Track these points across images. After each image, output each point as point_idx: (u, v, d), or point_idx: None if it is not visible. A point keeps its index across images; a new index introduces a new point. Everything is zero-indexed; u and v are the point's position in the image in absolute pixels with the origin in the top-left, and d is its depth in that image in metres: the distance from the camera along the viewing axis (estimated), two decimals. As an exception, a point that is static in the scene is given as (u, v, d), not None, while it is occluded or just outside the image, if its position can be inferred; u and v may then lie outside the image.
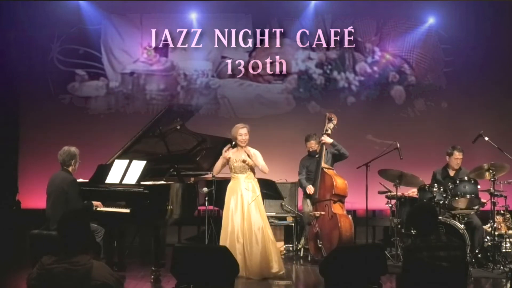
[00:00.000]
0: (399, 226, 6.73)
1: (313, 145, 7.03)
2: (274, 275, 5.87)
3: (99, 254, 5.61)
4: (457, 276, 3.80)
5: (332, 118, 6.85)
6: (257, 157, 6.08)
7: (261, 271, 5.83)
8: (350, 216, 6.74)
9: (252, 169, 6.06)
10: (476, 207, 6.44)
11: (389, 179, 6.89)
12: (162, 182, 6.04)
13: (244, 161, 5.98)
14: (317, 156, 6.94)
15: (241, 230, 5.85)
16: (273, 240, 6.00)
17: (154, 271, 5.72)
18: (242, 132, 6.01)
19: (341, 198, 6.70)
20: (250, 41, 8.66)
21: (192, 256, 4.07)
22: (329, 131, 6.80)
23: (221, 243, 5.82)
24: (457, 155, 6.89)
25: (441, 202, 6.46)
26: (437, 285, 3.72)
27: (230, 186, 6.07)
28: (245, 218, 5.87)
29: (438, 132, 8.44)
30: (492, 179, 6.43)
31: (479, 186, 6.45)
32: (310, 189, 6.79)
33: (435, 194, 6.50)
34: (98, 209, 5.77)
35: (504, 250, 6.72)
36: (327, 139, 6.77)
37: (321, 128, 6.93)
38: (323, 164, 6.74)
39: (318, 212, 6.62)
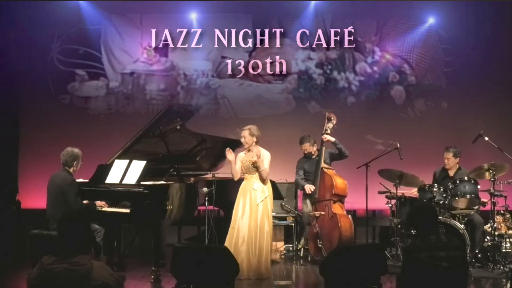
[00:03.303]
0: (399, 226, 6.73)
1: (307, 147, 7.01)
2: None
3: (99, 254, 5.62)
4: (457, 276, 3.80)
5: (332, 118, 6.84)
6: (264, 160, 6.04)
7: (258, 272, 5.84)
8: (350, 216, 6.74)
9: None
10: (476, 207, 6.45)
11: (389, 179, 6.89)
12: (162, 182, 6.04)
13: (253, 163, 5.99)
14: (313, 156, 6.96)
15: (248, 231, 5.86)
16: (271, 245, 6.01)
17: (154, 271, 5.72)
18: (242, 134, 6.09)
19: (341, 198, 6.70)
20: (250, 41, 8.65)
21: (192, 256, 4.08)
22: (329, 131, 6.80)
23: (227, 242, 5.85)
24: (445, 154, 6.92)
25: (441, 202, 6.46)
26: (437, 285, 3.72)
27: (242, 186, 6.08)
28: (253, 218, 5.89)
29: (438, 132, 8.43)
30: (492, 179, 6.43)
31: (479, 186, 6.45)
32: (309, 188, 6.73)
33: (435, 194, 6.50)
34: (103, 209, 5.77)
35: (504, 250, 6.72)
36: (330, 137, 6.76)
37: (321, 128, 6.92)
38: (322, 164, 6.74)
39: (318, 212, 6.62)
